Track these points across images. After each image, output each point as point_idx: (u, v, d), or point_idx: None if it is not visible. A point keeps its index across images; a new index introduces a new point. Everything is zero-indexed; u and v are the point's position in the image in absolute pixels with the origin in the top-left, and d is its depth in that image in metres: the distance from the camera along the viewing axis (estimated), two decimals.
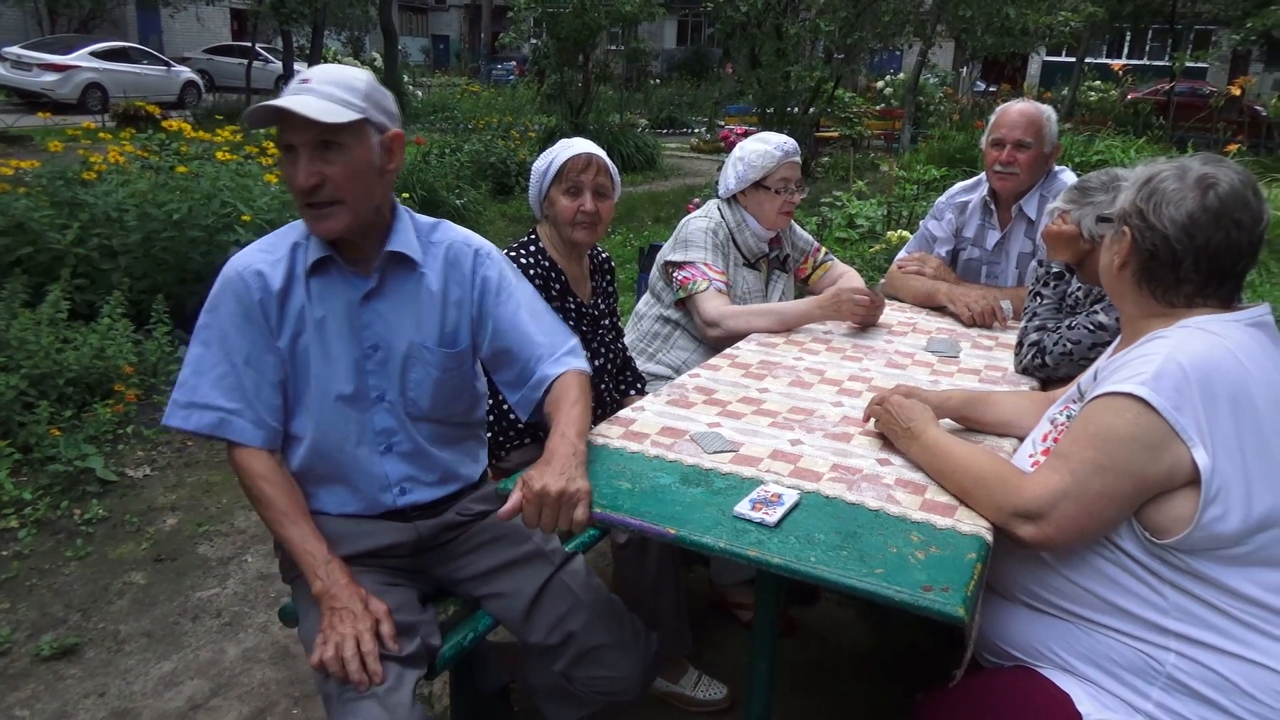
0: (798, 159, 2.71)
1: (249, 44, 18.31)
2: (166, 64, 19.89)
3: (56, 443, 3.49)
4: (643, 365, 2.74)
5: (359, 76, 1.60)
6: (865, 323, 2.65)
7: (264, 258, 1.66)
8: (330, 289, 1.67)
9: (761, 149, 2.67)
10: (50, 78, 17.01)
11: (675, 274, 2.68)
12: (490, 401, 2.24)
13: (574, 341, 1.81)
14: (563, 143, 2.32)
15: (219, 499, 3.44)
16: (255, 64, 17.32)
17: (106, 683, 2.42)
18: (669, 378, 2.60)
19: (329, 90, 1.54)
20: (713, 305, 2.60)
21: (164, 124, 6.18)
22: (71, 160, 5.20)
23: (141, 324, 4.36)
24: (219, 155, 5.60)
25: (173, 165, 5.28)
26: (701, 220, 2.73)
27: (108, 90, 17.37)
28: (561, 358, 1.76)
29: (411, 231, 1.72)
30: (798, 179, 2.70)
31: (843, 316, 2.61)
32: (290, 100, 1.51)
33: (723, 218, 2.75)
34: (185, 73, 20.20)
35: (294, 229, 1.70)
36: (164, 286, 4.56)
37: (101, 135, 6.04)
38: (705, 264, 2.65)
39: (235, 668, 2.50)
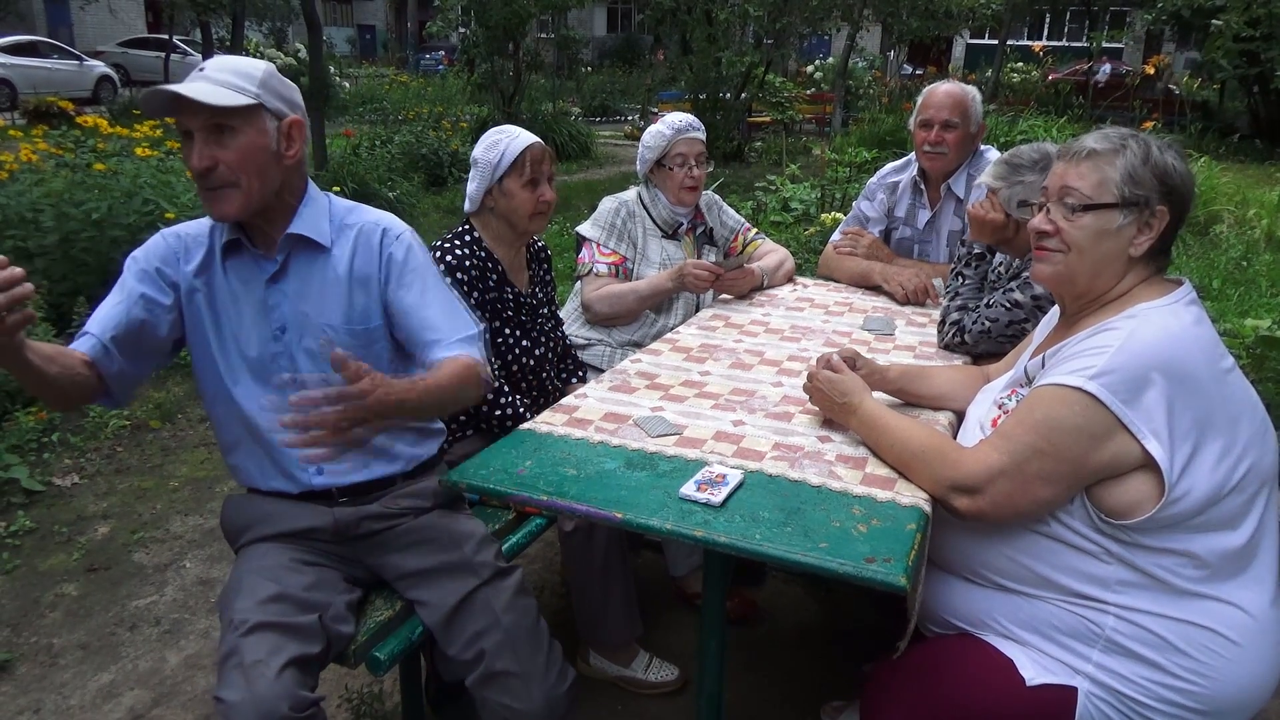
0: (693, 134, 2.79)
1: (166, 36, 17.70)
2: (79, 58, 19.14)
3: None
4: (577, 330, 2.79)
5: (256, 65, 1.66)
6: (732, 293, 2.83)
7: (190, 229, 1.77)
8: (242, 269, 1.74)
9: (656, 131, 2.81)
10: None
11: (581, 248, 2.83)
12: None
13: (473, 330, 1.76)
14: (503, 132, 2.30)
15: (153, 505, 3.34)
16: (173, 57, 16.76)
17: (41, 698, 2.35)
18: (603, 340, 2.76)
19: (223, 77, 1.61)
20: (589, 289, 2.75)
21: (78, 120, 5.94)
22: None
23: (63, 328, 4.20)
24: (139, 151, 5.41)
25: (90, 163, 5.08)
26: (611, 201, 2.85)
27: (16, 86, 16.70)
28: (455, 343, 1.71)
29: (324, 215, 1.76)
30: (696, 153, 2.78)
31: (687, 287, 2.69)
32: (183, 86, 1.58)
33: (638, 196, 2.88)
34: (99, 67, 19.46)
35: None
36: (85, 288, 4.39)
37: (11, 133, 5.81)
38: (598, 244, 2.79)
39: (177, 676, 2.44)
